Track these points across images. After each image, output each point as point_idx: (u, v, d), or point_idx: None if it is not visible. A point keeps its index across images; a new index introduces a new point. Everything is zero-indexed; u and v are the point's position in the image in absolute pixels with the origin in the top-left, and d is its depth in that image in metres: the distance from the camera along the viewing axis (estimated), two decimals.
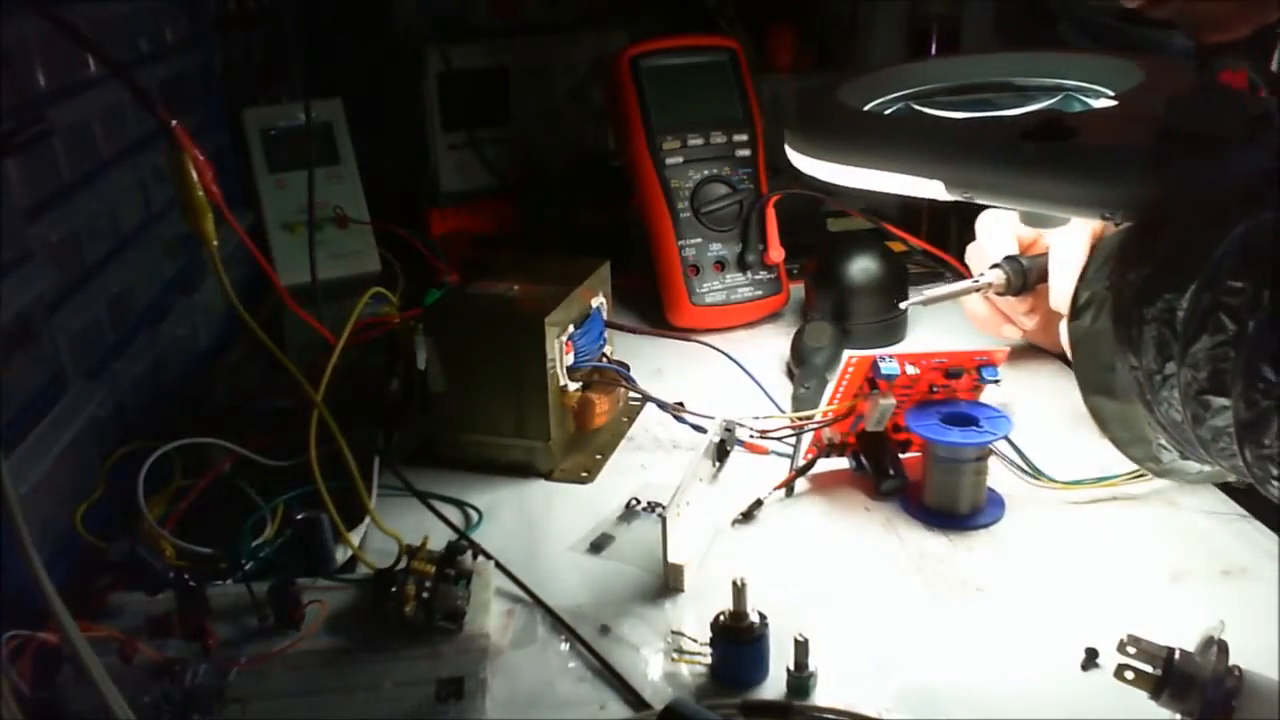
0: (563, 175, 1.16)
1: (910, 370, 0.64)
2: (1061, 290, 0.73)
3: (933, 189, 0.62)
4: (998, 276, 0.76)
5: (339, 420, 0.59)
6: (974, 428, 0.63)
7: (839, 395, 0.66)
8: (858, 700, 0.49)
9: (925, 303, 0.77)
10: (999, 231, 0.80)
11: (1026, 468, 0.66)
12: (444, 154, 1.15)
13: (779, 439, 0.72)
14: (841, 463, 0.69)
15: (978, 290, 0.77)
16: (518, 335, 0.68)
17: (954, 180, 0.61)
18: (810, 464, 0.68)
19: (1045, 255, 0.76)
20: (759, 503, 0.65)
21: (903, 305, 0.80)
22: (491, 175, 1.16)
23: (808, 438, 0.69)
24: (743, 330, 0.93)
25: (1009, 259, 0.77)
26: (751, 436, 0.72)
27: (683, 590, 0.58)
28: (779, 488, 0.67)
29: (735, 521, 0.64)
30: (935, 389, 0.65)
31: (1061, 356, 0.84)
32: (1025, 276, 0.76)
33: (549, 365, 0.68)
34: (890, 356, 0.64)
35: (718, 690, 0.50)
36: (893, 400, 0.64)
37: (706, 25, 1.22)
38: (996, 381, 0.65)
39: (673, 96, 0.94)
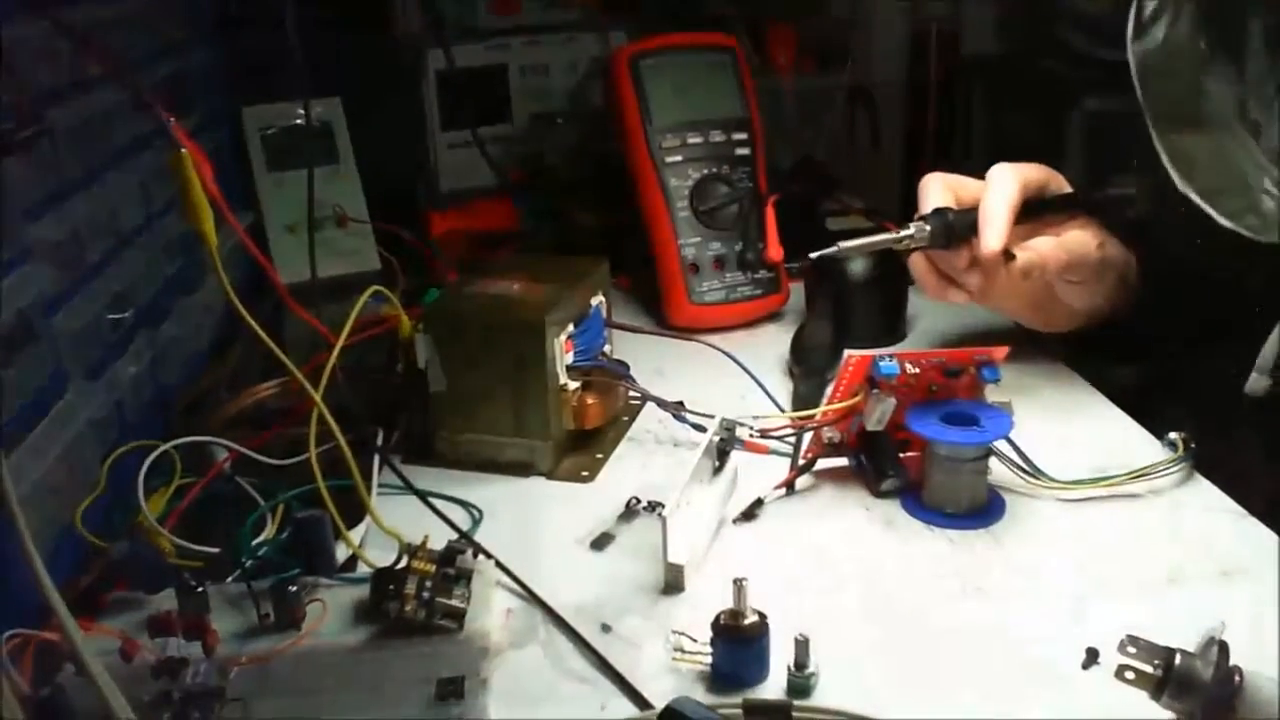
0: (563, 175, 1.16)
1: (910, 370, 0.64)
2: (989, 237, 0.70)
3: None
4: (919, 228, 0.73)
5: (339, 419, 0.59)
6: (974, 427, 0.63)
7: (839, 395, 0.66)
8: (858, 700, 0.49)
9: (839, 253, 0.74)
10: (933, 188, 0.76)
11: (1026, 468, 0.66)
12: (444, 154, 1.15)
13: (779, 438, 0.72)
14: (841, 462, 0.69)
15: (898, 242, 0.73)
16: (518, 334, 0.68)
17: None
18: (810, 463, 0.68)
19: (976, 208, 0.72)
20: (759, 502, 0.65)
21: (813, 255, 0.75)
22: (492, 175, 1.16)
23: (808, 437, 0.69)
24: (743, 330, 0.93)
25: (936, 211, 0.73)
26: (751, 436, 0.72)
27: (683, 590, 0.58)
28: (779, 487, 0.67)
29: (736, 521, 0.64)
30: (935, 388, 0.65)
31: (1018, 326, 0.82)
32: (952, 228, 0.72)
33: (549, 364, 0.68)
34: (890, 356, 0.64)
35: (718, 690, 0.50)
36: (893, 400, 0.64)
37: (706, 25, 1.22)
38: (996, 381, 0.65)
39: (672, 95, 0.94)
